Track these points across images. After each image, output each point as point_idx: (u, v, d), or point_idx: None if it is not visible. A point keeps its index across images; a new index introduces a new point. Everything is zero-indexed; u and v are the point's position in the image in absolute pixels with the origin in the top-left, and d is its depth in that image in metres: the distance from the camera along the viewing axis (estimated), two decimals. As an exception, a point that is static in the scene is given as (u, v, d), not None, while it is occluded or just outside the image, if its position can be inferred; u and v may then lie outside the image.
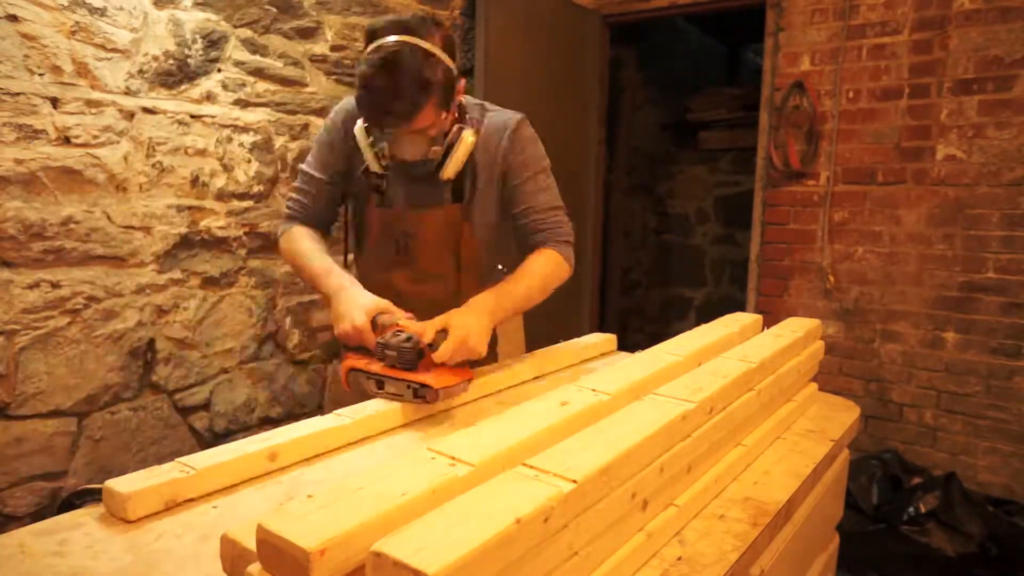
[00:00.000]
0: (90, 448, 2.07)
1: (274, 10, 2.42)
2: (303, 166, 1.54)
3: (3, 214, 1.83)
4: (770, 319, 1.48)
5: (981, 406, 2.88)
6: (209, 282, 2.33)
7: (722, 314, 1.53)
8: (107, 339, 2.07)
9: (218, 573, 0.72)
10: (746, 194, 3.70)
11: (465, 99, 1.47)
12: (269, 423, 2.54)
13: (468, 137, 1.37)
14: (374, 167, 1.39)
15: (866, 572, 2.41)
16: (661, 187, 5.13)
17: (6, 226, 1.84)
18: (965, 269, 2.88)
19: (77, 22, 1.91)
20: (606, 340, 1.74)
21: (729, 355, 1.17)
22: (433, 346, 1.20)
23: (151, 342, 2.18)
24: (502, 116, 1.48)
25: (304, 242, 1.48)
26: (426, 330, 1.21)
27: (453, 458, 0.71)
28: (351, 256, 1.61)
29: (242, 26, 2.33)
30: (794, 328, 1.41)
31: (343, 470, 1.00)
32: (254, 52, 2.37)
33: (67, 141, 1.93)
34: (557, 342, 1.68)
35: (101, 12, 1.96)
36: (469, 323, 1.22)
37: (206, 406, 2.36)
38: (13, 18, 1.79)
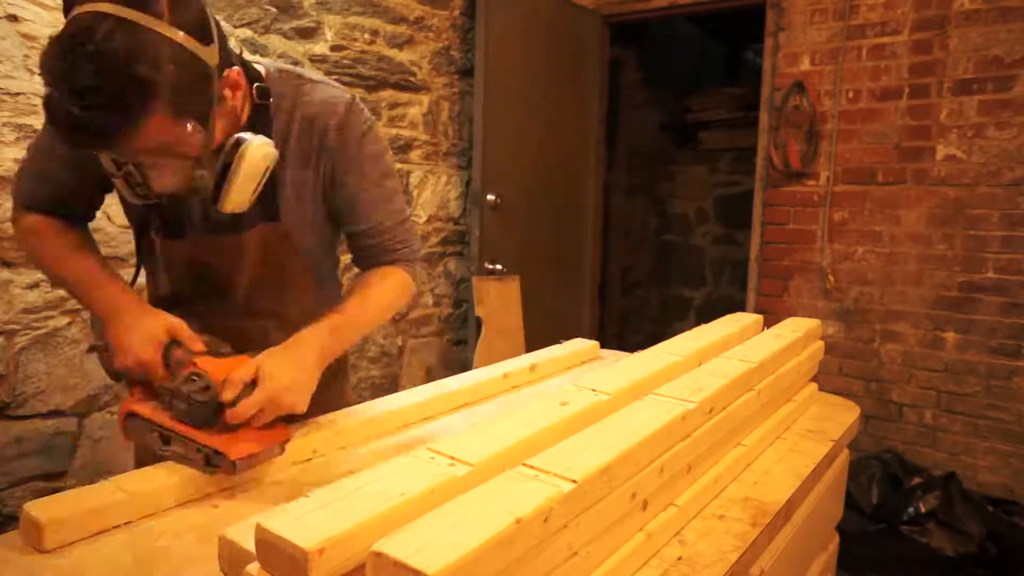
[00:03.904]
0: (90, 448, 2.06)
1: (274, 10, 2.41)
2: (41, 134, 1.11)
3: (3, 214, 1.82)
4: (770, 319, 1.48)
5: (981, 406, 2.88)
6: (209, 282, 2.33)
7: (722, 314, 1.53)
8: (107, 339, 2.07)
9: (218, 573, 0.72)
10: (746, 194, 3.69)
11: (270, 69, 1.11)
12: (269, 423, 2.54)
13: (255, 153, 0.97)
14: (132, 199, 0.99)
15: (866, 572, 2.41)
16: (661, 187, 5.13)
17: (6, 226, 1.84)
18: (965, 269, 2.88)
19: (77, 22, 1.91)
20: (590, 347, 1.69)
21: (729, 355, 1.17)
22: (234, 402, 0.92)
23: (151, 342, 2.18)
24: (323, 94, 1.12)
25: (54, 239, 1.11)
26: (229, 380, 0.92)
27: (452, 458, 0.71)
28: (143, 275, 1.25)
29: (242, 26, 2.32)
30: (794, 328, 1.40)
31: (343, 470, 1.00)
32: (254, 52, 2.36)
33: (67, 141, 1.93)
34: (557, 342, 1.67)
35: (101, 12, 1.96)
36: (285, 373, 0.95)
37: (206, 406, 2.36)
38: (13, 18, 1.79)
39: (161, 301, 1.19)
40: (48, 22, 1.85)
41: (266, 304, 1.17)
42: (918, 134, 2.94)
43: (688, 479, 0.90)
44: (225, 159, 0.97)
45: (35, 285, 1.90)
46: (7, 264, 1.85)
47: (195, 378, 0.93)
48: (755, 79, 3.60)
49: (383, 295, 1.15)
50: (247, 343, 1.08)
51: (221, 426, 0.92)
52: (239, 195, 0.98)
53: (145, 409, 0.97)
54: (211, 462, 0.90)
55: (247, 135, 0.98)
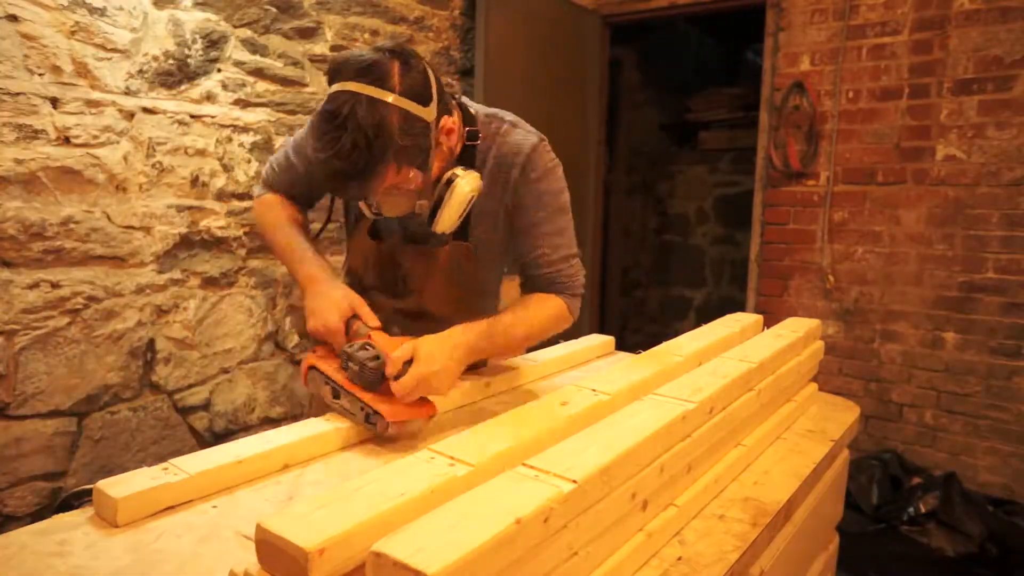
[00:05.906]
0: (90, 448, 2.06)
1: (274, 10, 2.42)
2: (290, 142, 1.40)
3: (3, 214, 1.82)
4: (770, 319, 1.48)
5: (981, 406, 2.88)
6: (209, 282, 2.32)
7: (722, 314, 1.53)
8: (107, 339, 2.07)
9: (218, 573, 0.72)
10: (746, 194, 3.69)
11: (478, 112, 1.30)
12: (269, 423, 2.54)
13: (464, 187, 1.19)
14: (369, 215, 1.25)
15: (866, 572, 2.41)
16: (661, 187, 5.13)
17: (6, 226, 1.83)
18: (965, 269, 2.88)
19: (77, 22, 1.91)
20: (605, 342, 1.74)
21: (729, 355, 1.17)
22: (396, 376, 1.07)
23: (151, 342, 2.18)
24: (516, 137, 1.28)
25: (278, 211, 1.38)
26: (392, 358, 1.07)
27: (452, 458, 0.71)
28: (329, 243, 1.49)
29: (242, 26, 2.32)
30: (794, 328, 1.41)
31: (343, 470, 1.01)
32: (254, 52, 2.37)
33: (67, 141, 1.93)
34: (557, 343, 1.68)
35: (101, 12, 1.96)
36: (437, 358, 1.09)
37: (206, 406, 2.36)
38: (13, 18, 1.79)
39: (353, 284, 1.41)
40: (48, 22, 1.85)
41: (437, 308, 1.36)
42: (918, 134, 2.94)
43: (688, 479, 0.91)
44: (440, 192, 1.20)
45: (35, 285, 1.90)
46: (7, 264, 1.85)
47: (368, 348, 1.10)
48: (755, 79, 3.59)
49: (537, 317, 1.28)
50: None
51: (382, 392, 1.08)
52: (448, 220, 1.21)
53: (324, 365, 1.15)
54: (369, 420, 1.07)
55: (459, 171, 1.21)
